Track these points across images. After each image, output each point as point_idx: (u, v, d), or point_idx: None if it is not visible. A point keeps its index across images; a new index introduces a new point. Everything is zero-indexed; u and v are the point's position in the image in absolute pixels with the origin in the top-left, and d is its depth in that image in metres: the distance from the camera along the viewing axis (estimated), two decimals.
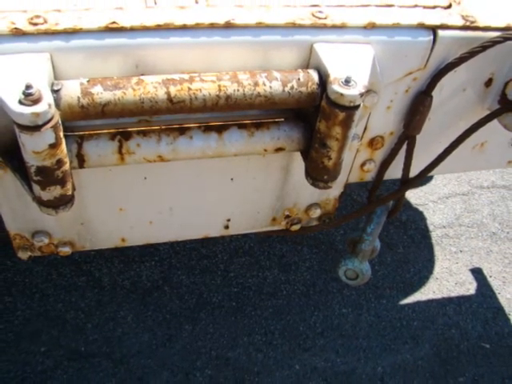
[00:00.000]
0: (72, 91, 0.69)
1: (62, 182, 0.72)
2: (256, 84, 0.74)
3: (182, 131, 0.80)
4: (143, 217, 0.98)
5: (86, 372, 1.57)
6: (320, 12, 0.81)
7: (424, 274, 1.98)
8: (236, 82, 0.73)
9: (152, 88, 0.71)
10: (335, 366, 1.68)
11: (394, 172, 1.07)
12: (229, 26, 0.76)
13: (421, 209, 2.23)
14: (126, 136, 0.78)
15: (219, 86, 0.73)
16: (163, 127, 0.80)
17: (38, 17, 0.71)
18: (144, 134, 0.78)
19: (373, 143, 1.01)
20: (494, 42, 0.83)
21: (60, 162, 0.70)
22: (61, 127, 0.68)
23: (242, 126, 0.81)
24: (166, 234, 1.05)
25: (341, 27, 0.80)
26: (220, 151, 0.82)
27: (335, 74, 0.74)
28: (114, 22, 0.72)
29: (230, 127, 0.81)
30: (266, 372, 1.64)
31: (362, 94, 0.73)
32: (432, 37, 0.84)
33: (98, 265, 1.85)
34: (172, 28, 0.74)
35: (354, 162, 1.04)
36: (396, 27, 0.82)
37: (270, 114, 0.86)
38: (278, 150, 0.84)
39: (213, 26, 0.76)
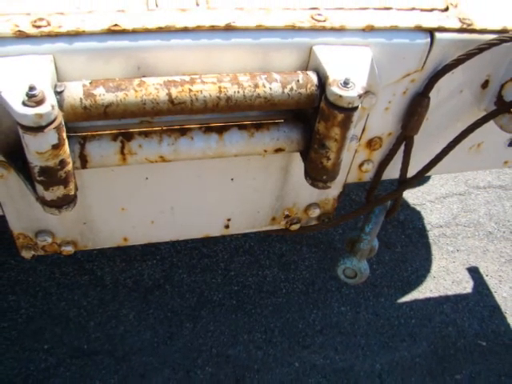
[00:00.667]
0: (75, 93, 0.69)
1: (65, 182, 0.73)
2: (256, 86, 0.75)
3: (183, 132, 0.80)
4: (145, 216, 0.99)
5: (89, 369, 1.59)
6: (319, 15, 0.81)
7: (421, 272, 1.99)
8: (236, 84, 0.74)
9: (153, 89, 0.71)
10: (334, 363, 1.70)
11: (392, 172, 1.08)
12: (229, 29, 0.77)
13: (418, 208, 2.24)
14: (128, 137, 0.79)
15: (220, 87, 0.73)
16: (164, 128, 0.80)
17: (41, 19, 0.71)
18: (146, 134, 0.79)
19: (371, 144, 1.02)
20: (490, 45, 0.84)
21: (63, 163, 0.71)
22: (64, 128, 0.68)
23: (242, 127, 0.82)
24: (167, 233, 1.06)
25: (339, 30, 0.81)
26: (220, 152, 0.82)
27: (334, 75, 0.75)
28: (116, 25, 0.73)
29: (230, 128, 0.82)
30: (265, 369, 1.65)
31: (360, 96, 0.74)
32: (429, 39, 0.85)
33: (100, 264, 1.86)
34: (173, 30, 0.75)
35: (353, 163, 1.05)
36: (394, 30, 0.83)
37: (269, 115, 0.87)
38: (278, 150, 0.85)
39: (213, 29, 0.76)
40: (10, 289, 1.74)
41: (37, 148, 0.67)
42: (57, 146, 0.68)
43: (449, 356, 1.75)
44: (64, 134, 0.69)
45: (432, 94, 0.93)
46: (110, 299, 1.76)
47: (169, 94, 0.72)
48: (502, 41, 0.84)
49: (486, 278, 2.00)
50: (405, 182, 1.07)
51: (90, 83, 0.71)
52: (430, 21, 0.85)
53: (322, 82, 0.77)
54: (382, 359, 1.72)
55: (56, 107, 0.66)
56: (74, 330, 1.67)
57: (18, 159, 0.75)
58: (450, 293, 1.93)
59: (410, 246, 2.08)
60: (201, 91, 0.73)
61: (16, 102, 0.64)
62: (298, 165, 0.97)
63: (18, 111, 0.63)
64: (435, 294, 1.93)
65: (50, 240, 0.96)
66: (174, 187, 0.96)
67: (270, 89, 0.75)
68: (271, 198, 1.05)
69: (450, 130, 1.02)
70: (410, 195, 2.30)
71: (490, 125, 0.96)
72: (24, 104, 0.63)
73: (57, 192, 0.74)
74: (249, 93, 0.74)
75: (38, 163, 0.69)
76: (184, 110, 0.74)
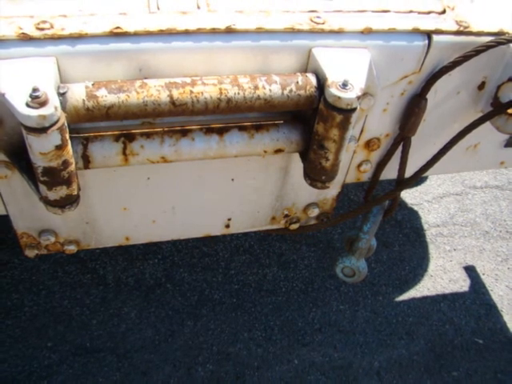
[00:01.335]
0: (77, 94, 0.70)
1: (67, 182, 0.74)
2: (256, 87, 0.76)
3: (184, 133, 0.81)
4: (147, 216, 1.00)
5: (91, 367, 1.60)
6: (318, 17, 0.82)
7: (419, 271, 2.01)
8: (236, 86, 0.75)
9: (155, 91, 0.72)
10: (333, 360, 1.71)
11: (390, 172, 1.09)
12: (229, 31, 0.78)
13: (416, 208, 2.25)
14: (130, 138, 0.80)
15: (220, 89, 0.74)
16: (166, 129, 0.81)
17: (44, 22, 0.72)
18: (147, 135, 0.80)
19: (369, 145, 1.03)
20: (487, 47, 0.85)
21: (66, 163, 0.72)
22: (67, 129, 0.69)
23: (242, 128, 0.83)
24: (168, 232, 1.07)
25: (338, 32, 0.82)
26: (221, 152, 0.83)
27: (333, 77, 0.76)
28: (118, 27, 0.74)
29: (230, 129, 0.83)
30: (265, 367, 1.67)
31: (358, 97, 0.75)
32: (427, 41, 0.86)
33: (102, 263, 1.87)
34: (174, 33, 0.76)
35: (351, 163, 1.06)
36: (392, 32, 0.84)
37: (269, 117, 0.88)
38: (278, 151, 0.86)
39: (214, 31, 0.77)
40: (13, 287, 1.75)
41: (40, 149, 0.68)
42: (60, 147, 0.69)
43: (446, 353, 1.77)
44: (67, 135, 0.70)
45: (429, 96, 0.94)
46: (112, 298, 1.78)
47: (170, 96, 0.73)
48: (498, 43, 0.85)
49: (482, 277, 2.02)
50: (402, 182, 1.08)
51: (93, 85, 0.72)
52: (427, 23, 0.86)
53: (321, 83, 0.78)
54: (381, 357, 1.74)
55: (59, 108, 0.67)
56: (76, 327, 1.68)
57: (21, 160, 0.76)
58: (446, 291, 1.95)
59: (407, 245, 2.10)
60: (202, 93, 0.74)
61: (20, 104, 0.64)
62: (297, 165, 0.98)
63: (21, 112, 0.64)
64: (432, 293, 1.94)
65: (53, 239, 0.97)
66: (175, 187, 0.97)
67: (270, 90, 0.76)
68: (271, 198, 1.06)
69: (447, 131, 1.03)
70: (408, 195, 2.31)
71: (487, 126, 0.97)
72: (28, 105, 0.64)
73: (60, 192, 0.75)
74: (249, 94, 0.76)
75: (42, 164, 0.70)
76: (185, 112, 0.75)
